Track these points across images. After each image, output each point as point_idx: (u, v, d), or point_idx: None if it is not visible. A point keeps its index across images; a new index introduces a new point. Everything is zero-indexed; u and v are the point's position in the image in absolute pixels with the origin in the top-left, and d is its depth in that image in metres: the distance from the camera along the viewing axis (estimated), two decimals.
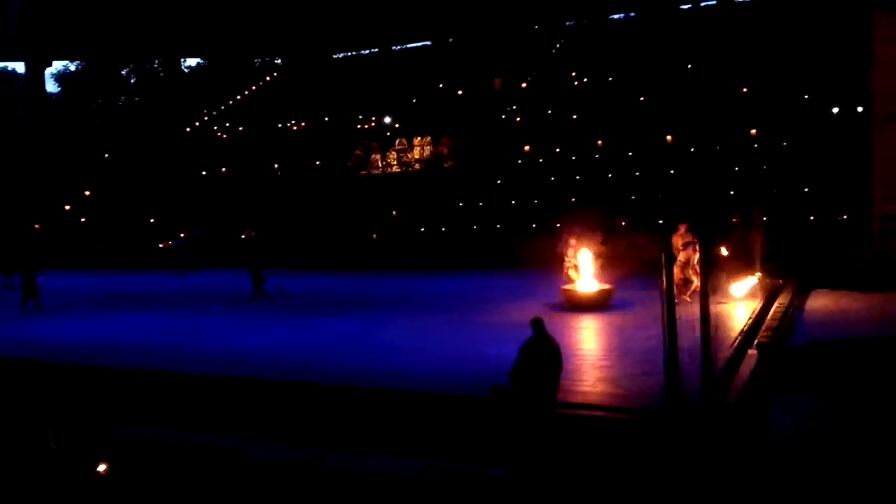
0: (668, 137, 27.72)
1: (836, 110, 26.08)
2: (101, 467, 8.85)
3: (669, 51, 32.18)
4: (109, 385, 13.49)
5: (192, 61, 52.05)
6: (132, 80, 51.92)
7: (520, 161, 30.14)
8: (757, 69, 28.94)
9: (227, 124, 40.16)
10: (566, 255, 17.80)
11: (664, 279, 10.76)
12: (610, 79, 32.94)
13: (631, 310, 16.53)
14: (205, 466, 9.22)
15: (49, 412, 12.25)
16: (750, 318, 14.70)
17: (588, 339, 14.85)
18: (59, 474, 9.00)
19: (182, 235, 29.69)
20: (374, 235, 28.85)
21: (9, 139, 40.54)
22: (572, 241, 17.78)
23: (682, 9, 36.15)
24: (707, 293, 10.96)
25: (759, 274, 17.16)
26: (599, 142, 29.02)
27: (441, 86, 37.01)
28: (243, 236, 30.92)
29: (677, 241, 17.33)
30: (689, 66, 31.19)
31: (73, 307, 21.40)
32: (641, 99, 30.60)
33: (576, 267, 17.67)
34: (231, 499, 8.44)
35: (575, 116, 31.35)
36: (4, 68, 52.82)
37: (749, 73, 28.96)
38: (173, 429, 11.52)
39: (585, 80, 33.75)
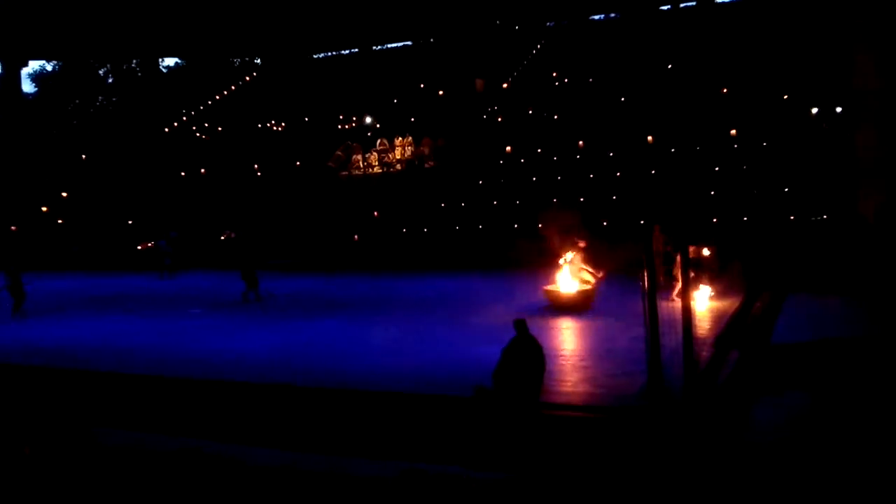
0: (649, 138, 27.81)
1: (815, 110, 26.26)
2: (81, 470, 8.70)
3: (649, 52, 32.31)
4: (92, 389, 13.32)
5: (170, 61, 51.72)
6: (110, 80, 51.45)
7: (501, 161, 30.14)
8: (737, 70, 29.11)
9: (206, 125, 39.89)
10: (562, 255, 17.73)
11: (646, 280, 10.77)
12: (591, 80, 33.03)
13: (613, 311, 16.53)
14: (190, 471, 9.09)
15: (28, 417, 12.08)
16: (732, 317, 14.73)
17: (570, 339, 14.84)
18: (40, 479, 8.86)
19: (161, 239, 29.35)
20: (356, 236, 28.73)
21: None
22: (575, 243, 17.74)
23: (662, 10, 36.27)
24: (688, 293, 10.97)
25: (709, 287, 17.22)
26: (580, 142, 29.07)
27: (422, 86, 36.96)
28: (223, 237, 30.72)
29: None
30: (670, 66, 31.33)
31: (54, 310, 21.12)
32: (622, 100, 30.70)
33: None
34: (215, 502, 8.33)
35: (556, 117, 31.41)
36: None
37: (729, 74, 29.12)
38: (158, 433, 11.39)
39: (566, 80, 33.82)
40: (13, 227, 34.14)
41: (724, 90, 28.69)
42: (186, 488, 8.69)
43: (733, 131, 26.72)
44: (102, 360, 14.52)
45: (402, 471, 8.06)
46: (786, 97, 27.28)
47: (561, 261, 17.70)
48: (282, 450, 10.49)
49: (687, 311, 10.64)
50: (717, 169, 25.51)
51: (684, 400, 10.22)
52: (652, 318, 10.52)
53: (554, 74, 34.38)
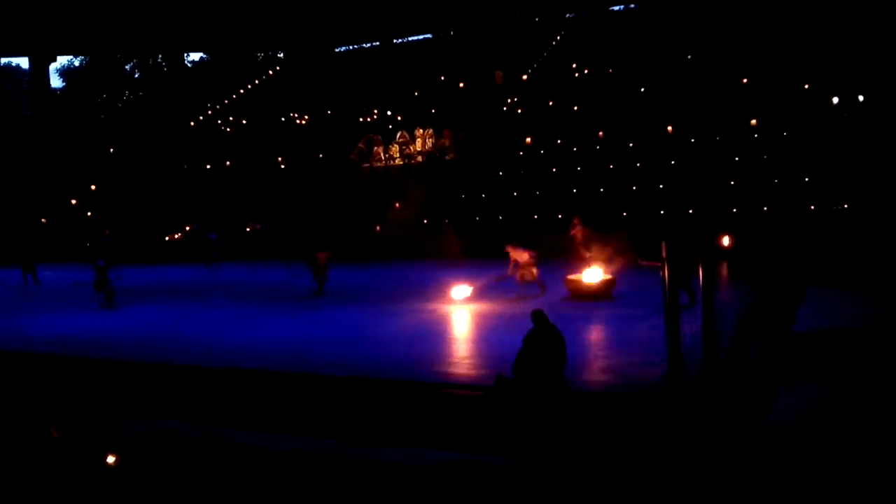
0: (669, 128, 27.83)
1: (836, 100, 26.17)
2: (110, 459, 9.01)
3: (669, 42, 32.25)
4: (118, 378, 13.68)
5: (195, 56, 52.21)
6: (136, 75, 52.04)
7: (521, 153, 30.27)
8: (757, 59, 29.02)
9: (231, 118, 40.29)
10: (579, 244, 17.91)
11: (666, 270, 10.92)
12: (610, 70, 33.03)
13: (634, 300, 16.69)
14: (214, 458, 9.38)
15: (55, 405, 12.42)
16: (751, 307, 14.86)
17: (591, 329, 15.00)
18: (68, 466, 9.15)
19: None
20: (377, 227, 29.00)
21: (14, 134, 40.68)
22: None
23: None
24: (710, 284, 11.10)
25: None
26: (601, 133, 29.14)
27: (442, 78, 37.11)
28: (248, 229, 31.12)
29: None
30: (690, 56, 31.27)
31: (82, 301, 21.56)
32: (642, 90, 30.70)
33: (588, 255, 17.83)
34: (240, 491, 8.60)
35: (576, 108, 31.47)
36: (9, 64, 52.98)
37: (749, 64, 29.04)
38: (182, 421, 11.67)
39: (586, 71, 33.84)
40: (43, 220, 34.75)
41: (744, 80, 28.62)
42: (211, 474, 8.96)
43: (753, 121, 26.69)
44: (130, 350, 14.89)
45: (441, 460, 8.28)
46: (806, 86, 27.19)
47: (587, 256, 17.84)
48: (304, 437, 10.72)
49: (708, 300, 10.79)
50: (737, 159, 25.51)
51: (704, 388, 10.38)
52: (672, 306, 10.68)
53: (573, 66, 34.41)
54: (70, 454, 9.60)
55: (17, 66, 54.51)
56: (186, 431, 10.84)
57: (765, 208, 23.36)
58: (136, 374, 13.70)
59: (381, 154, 33.30)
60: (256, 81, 43.65)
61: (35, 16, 35.67)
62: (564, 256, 19.35)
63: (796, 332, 13.81)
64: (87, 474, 8.77)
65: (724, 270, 17.61)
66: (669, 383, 10.61)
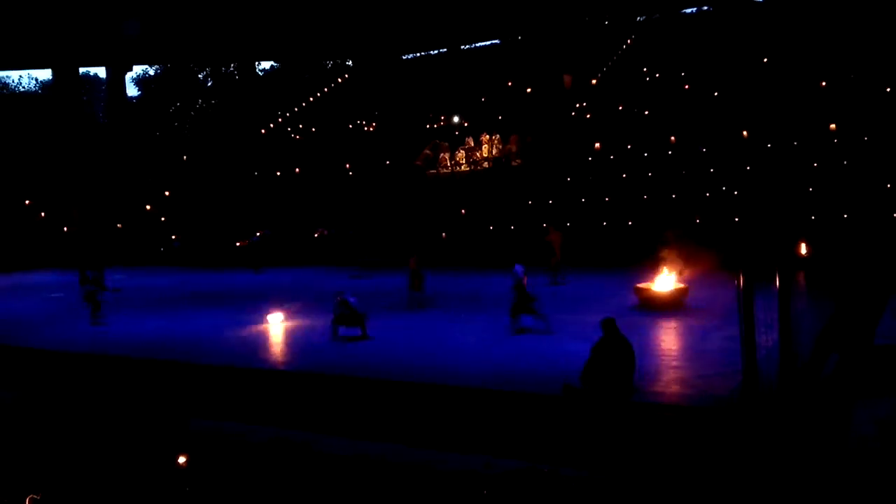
0: (744, 133, 27.10)
1: None
2: (181, 459, 9.10)
3: (743, 45, 31.46)
4: (188, 380, 13.89)
5: (266, 64, 53.21)
6: (209, 84, 53.30)
7: (590, 158, 29.87)
8: (836, 61, 28.07)
9: (300, 125, 40.86)
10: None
11: (741, 279, 10.54)
12: (682, 74, 32.38)
13: (706, 309, 16.22)
14: (280, 461, 9.40)
15: (130, 406, 12.65)
16: (830, 317, 14.28)
17: (662, 338, 14.62)
18: (142, 466, 9.28)
19: (258, 234, 30.35)
20: (444, 234, 28.95)
21: (92, 142, 42.01)
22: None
23: (756, 1, 35.27)
24: (788, 290, 10.66)
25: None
26: (672, 138, 28.55)
27: (510, 84, 36.93)
28: (315, 235, 31.44)
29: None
30: (765, 59, 30.44)
31: (155, 304, 22.05)
32: (715, 94, 30.00)
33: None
34: (305, 494, 8.58)
35: (646, 113, 30.92)
36: (87, 73, 54.85)
37: (828, 66, 28.10)
38: (249, 423, 11.77)
39: (657, 75, 33.25)
40: (119, 225, 35.74)
41: (823, 83, 27.69)
42: (277, 477, 8.98)
43: (832, 125, 25.78)
44: (198, 353, 15.12)
45: (516, 468, 8.13)
46: (888, 90, 26.16)
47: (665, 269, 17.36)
48: (369, 441, 10.68)
49: (784, 311, 10.37)
50: (815, 165, 24.67)
51: (781, 401, 9.98)
52: (747, 316, 10.29)
53: (644, 70, 33.85)
54: (143, 454, 9.74)
55: (95, 75, 56.50)
56: (253, 434, 10.91)
57: (844, 216, 22.49)
58: (205, 376, 13.90)
59: (448, 160, 33.28)
60: (325, 89, 44.19)
61: (111, 27, 36.82)
62: (631, 266, 18.91)
63: (877, 345, 13.22)
64: (160, 474, 8.88)
65: (802, 280, 16.98)
66: (744, 396, 10.23)
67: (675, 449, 9.64)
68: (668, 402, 10.64)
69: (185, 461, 9.10)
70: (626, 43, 36.92)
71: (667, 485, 8.86)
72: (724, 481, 8.79)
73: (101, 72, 50.98)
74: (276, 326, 17.63)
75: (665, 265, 17.15)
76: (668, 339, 14.67)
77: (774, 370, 10.32)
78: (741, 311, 10.44)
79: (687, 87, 31.40)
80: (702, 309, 16.40)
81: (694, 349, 13.42)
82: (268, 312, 18.27)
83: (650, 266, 17.70)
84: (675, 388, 11.17)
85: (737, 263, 10.75)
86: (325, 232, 31.38)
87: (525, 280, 15.73)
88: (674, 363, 12.60)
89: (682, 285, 17.07)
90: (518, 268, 15.89)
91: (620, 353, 10.72)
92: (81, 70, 45.78)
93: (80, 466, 8.75)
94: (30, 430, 10.12)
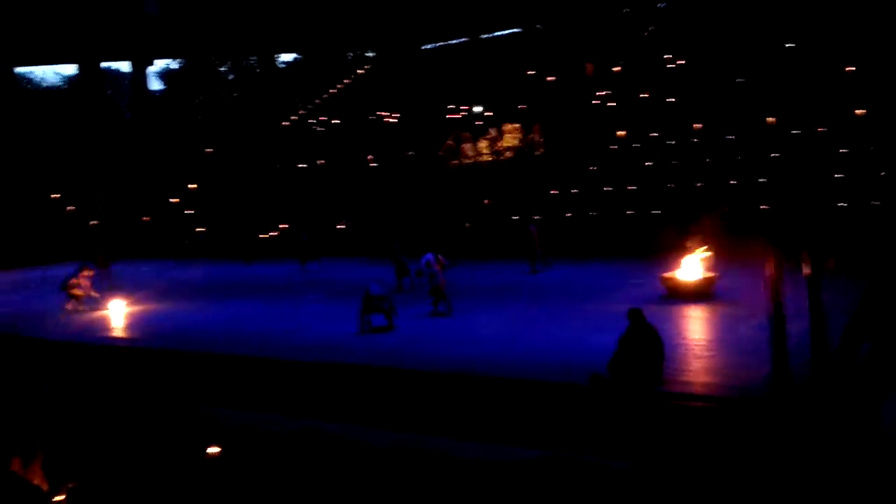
0: (770, 119, 26.79)
1: None
2: (213, 450, 9.15)
3: (767, 29, 31.04)
4: (216, 370, 14.01)
5: (287, 56, 53.29)
6: (230, 77, 53.51)
7: (613, 147, 29.68)
8: (862, 46, 27.61)
9: (322, 117, 40.93)
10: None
11: (770, 266, 10.43)
12: (706, 60, 32.04)
13: (735, 299, 16.08)
14: (312, 452, 9.44)
15: (159, 397, 12.77)
16: (861, 304, 14.08)
17: (690, 328, 14.52)
18: (171, 457, 9.36)
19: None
20: (467, 224, 28.92)
21: (116, 136, 42.36)
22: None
23: None
24: (818, 277, 10.53)
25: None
26: (697, 125, 28.28)
27: (531, 73, 36.74)
28: (339, 227, 31.54)
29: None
30: (789, 44, 30.03)
31: (180, 296, 22.24)
32: (740, 80, 29.66)
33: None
34: (338, 485, 8.61)
35: (670, 100, 30.65)
36: (110, 68, 55.24)
37: (854, 50, 27.66)
38: (277, 413, 11.84)
39: (681, 62, 32.93)
40: (145, 218, 36.06)
41: (849, 68, 27.28)
42: (309, 468, 9.02)
43: (859, 111, 25.40)
44: (224, 344, 15.25)
45: (538, 456, 8.12)
46: None
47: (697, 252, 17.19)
48: (397, 432, 10.71)
49: (815, 298, 10.25)
50: (843, 150, 24.34)
51: (811, 392, 9.87)
52: (776, 305, 10.19)
53: (667, 56, 33.53)
54: (174, 445, 9.82)
55: (118, 69, 56.83)
56: (282, 424, 10.97)
57: (876, 202, 22.19)
58: (236, 367, 14.01)
59: (470, 150, 33.20)
60: (346, 81, 44.21)
61: (133, 22, 37.06)
62: (656, 255, 18.77)
63: None
64: (190, 465, 8.95)
65: (833, 266, 16.78)
66: (774, 385, 10.15)
67: (703, 439, 9.58)
68: (696, 392, 10.58)
69: (217, 452, 9.15)
70: (649, 29, 36.57)
71: (695, 475, 8.81)
72: (753, 472, 8.73)
73: (124, 66, 51.34)
74: (298, 317, 17.73)
75: (691, 246, 17.02)
76: (696, 328, 14.57)
77: (805, 359, 10.21)
78: (770, 300, 10.34)
79: (711, 73, 31.07)
80: (730, 298, 16.27)
81: (722, 338, 13.32)
82: (290, 303, 18.39)
83: (675, 255, 17.58)
84: (703, 378, 11.10)
85: (765, 251, 10.64)
86: (348, 224, 31.46)
87: (439, 266, 17.19)
88: (702, 353, 12.51)
89: (709, 274, 16.93)
90: (427, 256, 17.50)
91: (648, 342, 10.66)
92: (105, 65, 46.11)
93: (114, 456, 8.84)
94: (66, 421, 10.25)
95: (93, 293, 20.77)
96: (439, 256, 17.48)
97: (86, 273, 20.92)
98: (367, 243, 28.84)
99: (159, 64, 52.71)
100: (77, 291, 20.34)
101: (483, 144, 33.03)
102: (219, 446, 8.99)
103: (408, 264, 20.51)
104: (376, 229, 29.74)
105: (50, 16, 35.72)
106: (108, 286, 22.79)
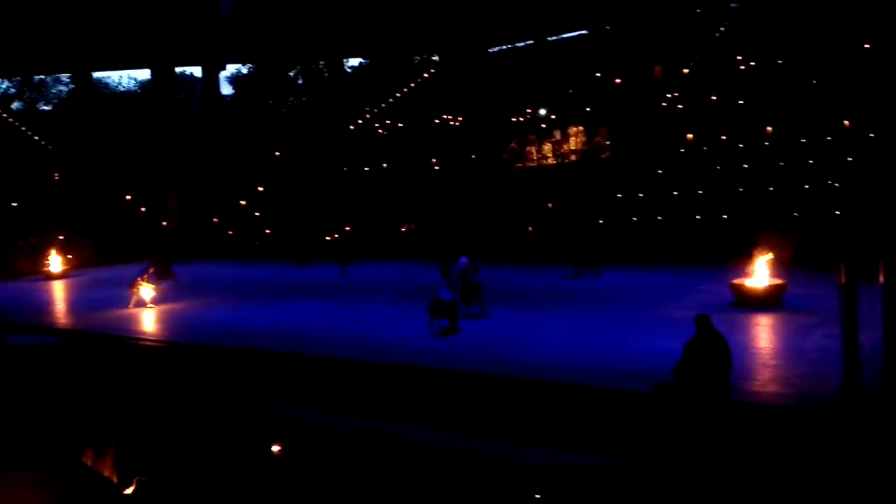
0: (846, 123, 26.00)
1: None
2: (275, 448, 9.30)
3: (845, 29, 30.14)
4: (279, 369, 14.26)
5: (354, 61, 53.94)
6: (299, 81, 54.37)
7: (682, 150, 29.19)
8: None
9: (387, 121, 41.26)
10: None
11: (843, 274, 10.13)
12: (780, 62, 31.27)
13: (806, 307, 15.65)
14: (371, 451, 9.52)
15: (224, 394, 13.05)
16: None
17: (758, 336, 14.23)
18: (237, 452, 9.54)
19: (347, 229, 30.71)
20: (530, 228, 28.79)
21: (188, 139, 43.43)
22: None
23: None
24: (893, 286, 10.18)
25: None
26: (769, 129, 27.62)
27: (598, 75, 36.39)
28: (403, 229, 31.73)
29: None
30: (867, 45, 29.10)
31: (247, 295, 22.68)
32: (815, 82, 28.86)
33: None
34: (397, 485, 8.67)
35: (741, 102, 30.00)
36: (184, 73, 56.67)
37: None
38: (340, 413, 11.97)
39: (752, 63, 32.21)
40: (215, 220, 36.88)
41: None
42: (368, 466, 9.10)
43: None
44: (285, 342, 15.51)
45: (616, 464, 8.05)
46: None
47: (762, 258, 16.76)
48: (457, 435, 10.70)
49: (890, 306, 9.92)
50: None
51: (884, 403, 9.56)
52: (850, 312, 9.89)
53: (739, 57, 32.84)
54: (238, 441, 10.01)
55: (191, 74, 58.27)
56: (344, 423, 11.09)
57: None
58: (298, 365, 14.24)
59: (534, 153, 33.04)
60: (412, 84, 44.48)
61: (208, 27, 38.01)
62: (725, 261, 18.41)
63: None
64: (253, 462, 9.11)
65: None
66: (846, 396, 9.85)
67: (772, 450, 9.36)
68: (765, 401, 10.34)
69: (279, 450, 9.31)
70: (720, 30, 35.86)
71: (764, 487, 8.61)
72: (824, 484, 8.49)
73: (196, 71, 52.59)
74: (363, 318, 17.91)
75: (759, 253, 16.66)
76: (765, 336, 14.26)
77: (877, 369, 9.89)
78: (843, 308, 10.04)
79: (783, 75, 30.31)
80: (801, 305, 15.85)
81: (792, 347, 12.99)
82: (354, 305, 18.59)
83: (744, 262, 17.20)
84: (772, 388, 10.85)
85: (838, 258, 10.35)
86: (412, 227, 31.62)
87: (472, 271, 17.65)
88: (771, 361, 12.23)
89: (779, 281, 16.53)
90: (463, 259, 17.87)
91: (715, 350, 10.46)
92: (178, 70, 47.31)
93: (182, 451, 9.06)
94: (138, 417, 10.57)
95: (153, 292, 21.53)
96: (473, 261, 17.96)
97: (151, 272, 22.04)
98: (430, 246, 28.91)
99: (231, 69, 53.95)
100: (139, 288, 21.27)
101: (547, 148, 32.84)
102: (280, 444, 9.15)
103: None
104: (439, 233, 29.78)
105: (126, 22, 36.89)
106: (171, 286, 23.51)
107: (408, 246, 30.25)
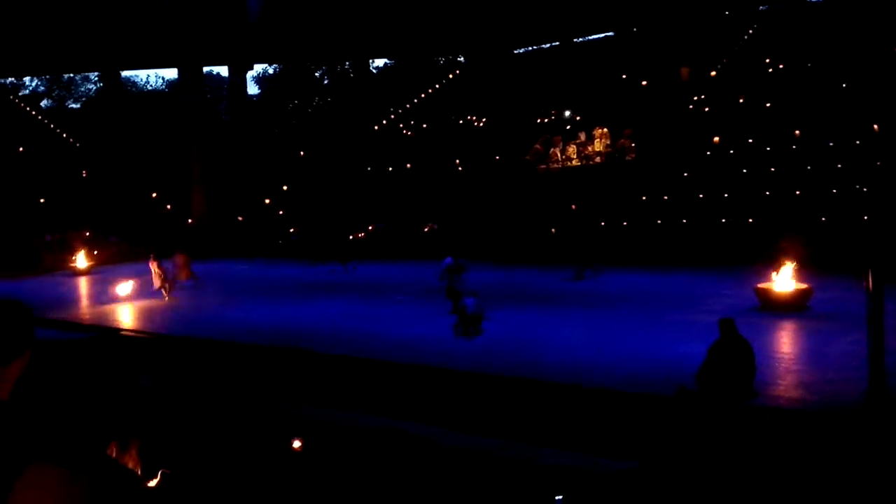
0: (875, 126, 25.69)
1: None
2: (296, 444, 9.36)
3: (873, 32, 29.78)
4: (301, 367, 14.34)
5: (379, 62, 54.08)
6: (325, 82, 54.60)
7: (708, 153, 28.98)
8: None
9: (412, 122, 41.34)
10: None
11: (869, 279, 10.02)
12: (808, 64, 30.96)
13: (832, 312, 15.48)
14: (394, 451, 9.55)
15: (246, 390, 13.15)
16: None
17: (783, 341, 14.10)
18: (259, 448, 9.61)
19: (371, 228, 30.82)
20: (553, 230, 28.72)
21: (215, 138, 43.76)
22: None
23: None
24: None
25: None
26: (797, 132, 27.36)
27: (624, 77, 36.22)
28: (426, 229, 31.78)
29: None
30: None
31: (268, 293, 22.82)
32: (843, 85, 28.55)
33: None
34: (420, 484, 8.70)
35: (769, 105, 29.74)
36: (211, 72, 57.12)
37: None
38: (363, 412, 12.01)
39: (781, 66, 31.92)
40: (240, 218, 37.16)
41: None
42: (388, 465, 9.13)
43: None
44: (308, 340, 15.59)
45: (629, 467, 8.03)
46: None
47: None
48: (476, 436, 10.70)
49: None
50: None
51: None
52: (876, 318, 9.78)
53: (767, 60, 32.55)
54: (259, 437, 10.09)
55: (218, 74, 58.74)
56: (365, 422, 11.13)
57: None
58: (320, 364, 14.31)
59: (558, 155, 32.94)
60: (437, 86, 44.52)
61: (233, 29, 38.29)
62: (750, 264, 18.28)
63: None
64: (274, 457, 9.18)
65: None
66: (871, 401, 9.74)
67: (796, 455, 9.28)
68: (789, 406, 10.25)
69: (300, 445, 9.37)
70: (748, 32, 35.57)
71: (788, 492, 8.54)
72: (848, 490, 8.40)
73: (223, 71, 53.02)
74: (384, 317, 17.96)
75: (784, 259, 16.50)
76: (790, 341, 14.13)
77: None
78: (869, 313, 9.94)
79: (812, 78, 30.01)
80: (826, 311, 15.69)
81: (817, 353, 12.86)
82: (375, 304, 18.65)
83: (770, 266, 17.05)
84: (796, 393, 10.75)
85: (865, 263, 10.24)
86: (435, 227, 31.66)
87: (457, 271, 18.18)
88: (795, 367, 12.12)
89: (804, 286, 16.37)
90: (447, 259, 18.46)
91: (739, 354, 10.38)
92: (206, 69, 47.67)
93: (205, 445, 9.15)
94: (162, 412, 10.68)
95: (167, 286, 22.16)
96: (459, 261, 18.35)
97: (179, 261, 23.29)
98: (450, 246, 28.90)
99: (257, 69, 54.28)
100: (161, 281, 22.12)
101: (572, 149, 32.73)
102: (301, 440, 9.21)
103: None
104: (457, 233, 29.77)
105: (154, 22, 37.26)
106: (192, 284, 23.82)
107: (430, 246, 30.25)
